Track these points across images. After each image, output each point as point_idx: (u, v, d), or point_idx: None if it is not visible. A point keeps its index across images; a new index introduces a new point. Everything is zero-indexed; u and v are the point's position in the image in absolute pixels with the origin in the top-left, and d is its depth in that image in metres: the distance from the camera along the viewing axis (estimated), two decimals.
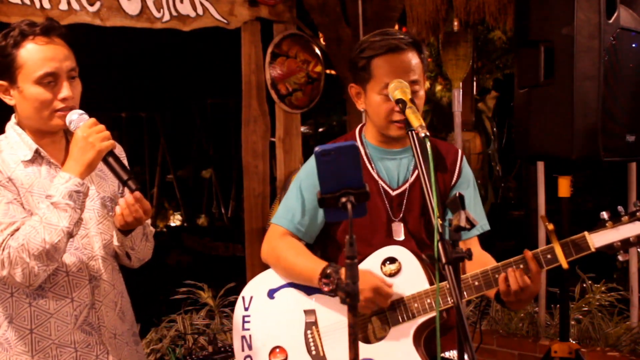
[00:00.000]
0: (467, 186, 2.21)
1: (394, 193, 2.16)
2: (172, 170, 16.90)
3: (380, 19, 4.58)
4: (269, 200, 4.47)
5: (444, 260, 1.58)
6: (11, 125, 1.99)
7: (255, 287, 2.23)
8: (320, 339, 2.10)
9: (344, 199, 1.50)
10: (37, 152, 1.94)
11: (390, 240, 2.13)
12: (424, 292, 2.03)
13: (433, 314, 2.01)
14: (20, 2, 3.37)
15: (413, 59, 2.10)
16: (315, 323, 2.11)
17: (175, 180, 17.03)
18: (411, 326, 2.03)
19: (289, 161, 4.57)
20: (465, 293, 1.98)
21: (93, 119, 1.89)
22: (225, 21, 4.13)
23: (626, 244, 1.87)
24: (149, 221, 2.11)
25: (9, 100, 1.94)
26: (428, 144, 1.73)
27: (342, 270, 1.99)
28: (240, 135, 4.41)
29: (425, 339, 2.07)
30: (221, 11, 4.10)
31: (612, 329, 4.07)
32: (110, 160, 1.89)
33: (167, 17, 3.88)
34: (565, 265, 1.88)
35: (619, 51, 2.98)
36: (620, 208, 1.90)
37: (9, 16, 3.34)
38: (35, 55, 1.87)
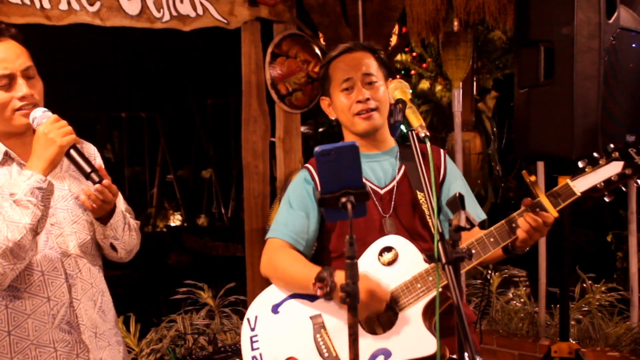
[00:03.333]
0: (455, 179, 2.25)
1: (382, 191, 2.20)
2: (172, 170, 16.92)
3: (380, 19, 4.58)
4: (269, 200, 4.47)
5: (444, 260, 1.58)
6: None
7: (259, 306, 2.23)
8: (330, 340, 2.10)
9: (344, 199, 1.51)
10: (6, 154, 1.94)
11: (382, 235, 2.14)
12: (425, 271, 2.03)
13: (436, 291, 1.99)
14: (20, 2, 3.36)
15: (365, 57, 2.24)
16: (323, 326, 2.11)
17: (175, 180, 17.05)
18: (419, 307, 2.02)
19: (289, 161, 4.57)
20: (481, 251, 1.99)
21: (55, 116, 1.88)
22: (225, 21, 4.13)
23: (609, 183, 1.92)
24: (130, 210, 2.11)
25: None
26: (428, 144, 1.74)
27: (336, 273, 2.00)
28: (240, 135, 4.41)
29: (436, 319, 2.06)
30: (221, 11, 4.10)
31: (612, 329, 4.07)
32: (73, 153, 1.88)
33: (167, 17, 3.88)
34: (554, 213, 1.93)
35: (619, 51, 2.98)
36: (595, 154, 1.96)
37: (9, 16, 3.34)
38: None
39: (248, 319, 2.23)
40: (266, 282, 4.84)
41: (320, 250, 2.28)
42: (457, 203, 1.61)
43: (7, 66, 1.87)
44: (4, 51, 1.89)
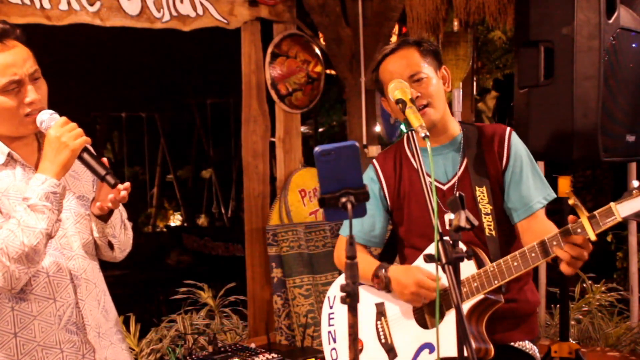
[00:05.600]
0: (521, 166, 2.22)
1: (445, 187, 2.25)
2: (172, 170, 16.92)
3: (380, 19, 4.58)
4: (269, 200, 4.47)
5: (444, 260, 1.58)
6: None
7: (337, 287, 2.37)
8: (388, 327, 2.25)
9: (344, 199, 1.50)
10: (9, 155, 1.93)
11: (446, 232, 2.15)
12: (471, 276, 2.08)
13: (480, 296, 2.07)
14: (20, 2, 3.36)
15: (409, 55, 2.22)
16: (384, 314, 2.27)
17: (175, 180, 17.05)
18: (464, 309, 2.05)
19: (289, 161, 4.57)
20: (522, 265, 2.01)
21: (64, 118, 1.87)
22: (225, 21, 4.13)
23: None
24: (124, 212, 2.11)
25: None
26: (428, 144, 1.74)
27: (390, 269, 2.20)
28: (240, 135, 4.41)
29: (485, 322, 2.11)
30: (221, 11, 4.10)
31: (612, 329, 4.07)
32: (86, 156, 1.87)
33: (167, 17, 3.88)
34: (593, 237, 1.90)
35: (619, 51, 2.98)
36: None
37: (9, 16, 3.33)
38: None
39: (328, 297, 2.44)
40: (266, 282, 4.85)
41: (395, 239, 2.44)
42: (457, 203, 1.61)
43: (16, 72, 1.85)
44: (12, 56, 1.85)
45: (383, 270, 2.20)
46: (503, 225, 2.21)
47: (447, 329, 2.05)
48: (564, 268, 1.95)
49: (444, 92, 2.25)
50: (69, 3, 3.52)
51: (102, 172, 1.86)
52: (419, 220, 2.27)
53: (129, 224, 2.13)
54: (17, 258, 1.77)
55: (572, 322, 4.13)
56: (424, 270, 2.14)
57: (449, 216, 2.14)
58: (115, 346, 2.10)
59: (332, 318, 2.40)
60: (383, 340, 2.25)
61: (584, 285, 4.44)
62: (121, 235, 2.06)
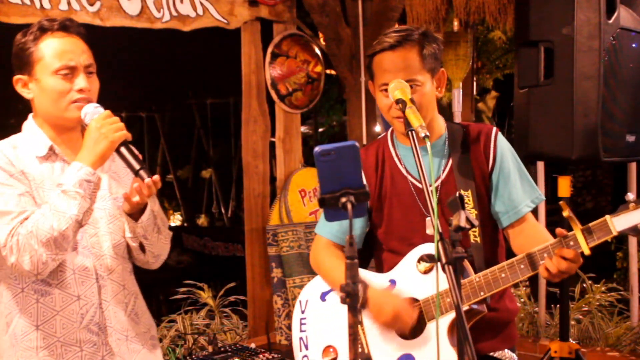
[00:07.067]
0: (508, 167, 2.15)
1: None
2: (172, 170, 16.91)
3: (380, 19, 4.58)
4: (269, 200, 4.47)
5: (444, 260, 1.58)
6: (28, 123, 2.02)
7: (310, 290, 2.32)
8: (365, 337, 2.14)
9: (343, 199, 1.50)
10: (51, 149, 1.97)
11: (428, 236, 2.09)
12: None
13: (465, 307, 1.99)
14: (20, 2, 3.36)
15: (407, 57, 2.08)
16: (360, 322, 2.14)
17: (175, 180, 17.04)
18: (446, 320, 2.01)
19: (289, 161, 4.57)
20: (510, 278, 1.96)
21: (108, 111, 1.91)
22: (225, 21, 4.13)
23: None
24: (162, 214, 2.11)
25: (27, 94, 1.98)
26: (428, 144, 1.73)
27: (371, 288, 2.06)
28: (240, 135, 4.41)
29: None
30: (221, 11, 4.10)
31: (612, 329, 4.07)
32: (122, 150, 1.89)
33: (167, 17, 3.88)
34: (587, 251, 1.84)
35: (619, 51, 2.98)
36: None
37: (9, 16, 3.33)
38: (54, 48, 1.92)
39: (300, 301, 2.32)
40: (266, 282, 4.84)
41: (371, 242, 2.30)
42: (457, 203, 1.61)
43: (72, 58, 1.93)
44: (71, 45, 1.94)
45: (361, 289, 2.07)
46: (488, 230, 2.15)
47: (427, 340, 2.04)
48: (545, 275, 1.91)
49: (435, 99, 2.16)
50: (69, 3, 3.52)
51: (137, 166, 1.88)
52: (399, 223, 2.17)
53: (165, 231, 2.11)
54: (45, 242, 1.79)
55: (572, 322, 4.13)
56: (404, 303, 2.04)
57: (430, 220, 2.12)
58: (147, 352, 2.09)
59: (304, 324, 2.28)
60: (360, 350, 2.07)
61: (584, 285, 4.44)
62: (154, 239, 2.04)
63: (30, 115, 2.03)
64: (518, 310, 2.33)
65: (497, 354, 2.18)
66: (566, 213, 1.85)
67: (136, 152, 1.94)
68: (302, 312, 2.30)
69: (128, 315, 2.04)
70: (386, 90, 2.09)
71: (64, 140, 2.00)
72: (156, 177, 1.88)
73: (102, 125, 1.87)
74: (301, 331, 2.28)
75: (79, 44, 1.97)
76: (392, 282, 2.13)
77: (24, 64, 1.95)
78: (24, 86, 1.98)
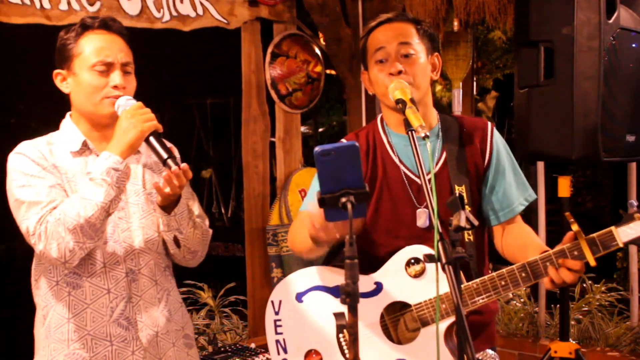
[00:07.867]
0: (503, 164, 2.12)
1: (420, 181, 1.99)
2: None
3: None
4: (269, 200, 4.47)
5: (444, 260, 1.57)
6: (65, 121, 2.07)
7: (283, 291, 2.20)
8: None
9: (344, 199, 1.50)
10: (84, 144, 2.00)
11: (415, 229, 2.07)
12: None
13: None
14: (20, 2, 3.36)
15: (406, 27, 2.07)
16: (346, 326, 2.10)
17: None
18: (442, 326, 1.98)
19: (289, 161, 4.57)
20: (511, 286, 1.91)
21: (139, 103, 1.94)
22: (225, 21, 4.13)
23: None
24: (198, 212, 2.10)
25: (65, 88, 2.02)
26: (428, 144, 1.72)
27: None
28: (240, 135, 4.41)
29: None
30: (221, 11, 4.10)
31: (612, 329, 4.07)
32: (151, 140, 1.90)
33: (167, 17, 3.88)
34: (592, 262, 1.82)
35: (619, 51, 2.98)
36: None
37: (9, 16, 3.33)
38: (93, 44, 1.97)
39: (272, 302, 2.21)
40: (266, 282, 4.85)
41: None
42: (457, 203, 1.60)
43: (109, 54, 1.97)
44: (110, 42, 1.99)
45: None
46: (478, 228, 2.07)
47: (421, 346, 2.01)
48: (548, 286, 1.89)
49: (429, 78, 2.10)
50: (69, 3, 3.51)
51: (165, 155, 1.88)
52: (387, 212, 2.10)
53: (203, 225, 2.11)
54: (72, 229, 1.80)
55: (572, 322, 4.13)
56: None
57: (421, 211, 2.06)
58: (179, 349, 2.09)
59: (280, 325, 2.17)
60: (347, 355, 2.05)
61: (584, 285, 4.44)
62: (189, 234, 2.05)
63: (68, 114, 2.08)
64: (498, 310, 2.30)
65: (479, 355, 2.17)
66: (575, 227, 1.83)
67: (168, 144, 1.95)
68: (276, 313, 2.19)
69: (160, 311, 2.04)
70: (381, 60, 2.05)
71: (99, 136, 2.03)
72: (184, 165, 1.89)
73: (133, 115, 1.89)
74: (277, 333, 2.18)
75: (118, 42, 2.01)
76: (378, 284, 2.07)
77: (64, 59, 1.99)
78: (62, 80, 2.02)
